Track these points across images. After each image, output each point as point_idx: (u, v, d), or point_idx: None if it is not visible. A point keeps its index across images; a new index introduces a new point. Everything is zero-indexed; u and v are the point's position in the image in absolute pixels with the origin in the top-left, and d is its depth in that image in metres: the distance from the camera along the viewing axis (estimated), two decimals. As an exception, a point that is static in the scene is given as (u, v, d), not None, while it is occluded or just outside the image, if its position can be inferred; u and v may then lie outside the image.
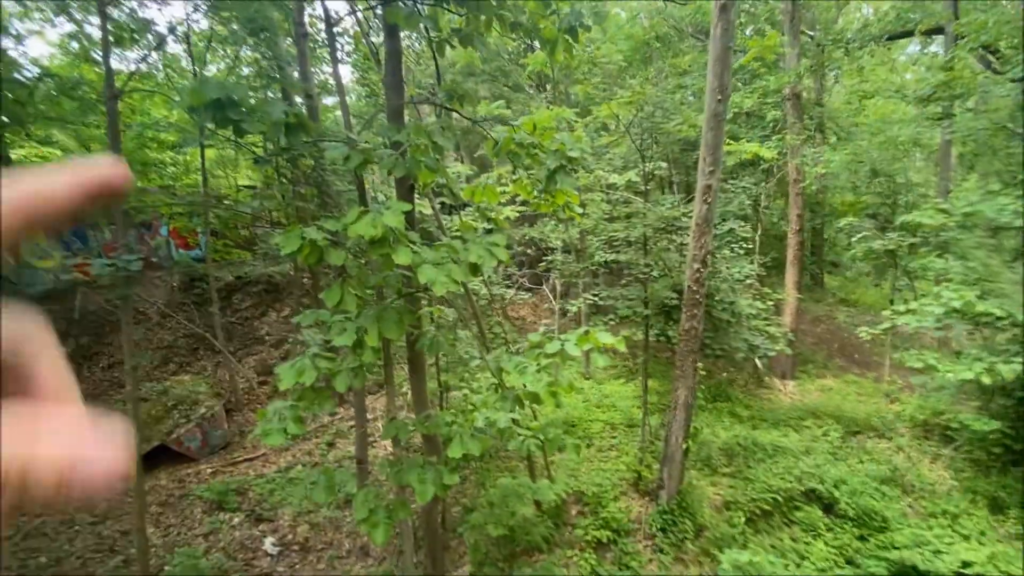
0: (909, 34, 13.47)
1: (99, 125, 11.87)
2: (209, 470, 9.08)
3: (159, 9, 7.81)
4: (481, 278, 7.72)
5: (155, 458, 8.83)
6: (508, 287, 11.82)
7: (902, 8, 12.55)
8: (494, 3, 4.08)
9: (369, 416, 9.79)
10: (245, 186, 14.43)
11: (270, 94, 9.79)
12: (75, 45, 11.01)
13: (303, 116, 3.87)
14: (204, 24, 10.62)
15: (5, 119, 7.32)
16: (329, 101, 14.03)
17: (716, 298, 8.55)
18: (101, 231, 13.12)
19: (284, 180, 7.18)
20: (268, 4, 6.80)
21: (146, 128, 12.10)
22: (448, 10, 3.99)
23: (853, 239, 9.14)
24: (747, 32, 13.69)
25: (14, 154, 11.69)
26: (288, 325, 13.39)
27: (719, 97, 5.47)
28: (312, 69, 9.86)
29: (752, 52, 7.85)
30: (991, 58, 10.47)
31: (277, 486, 8.47)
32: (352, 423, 10.02)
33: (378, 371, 7.67)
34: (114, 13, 7.46)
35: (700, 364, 7.01)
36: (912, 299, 10.23)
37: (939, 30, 13.02)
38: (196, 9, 7.93)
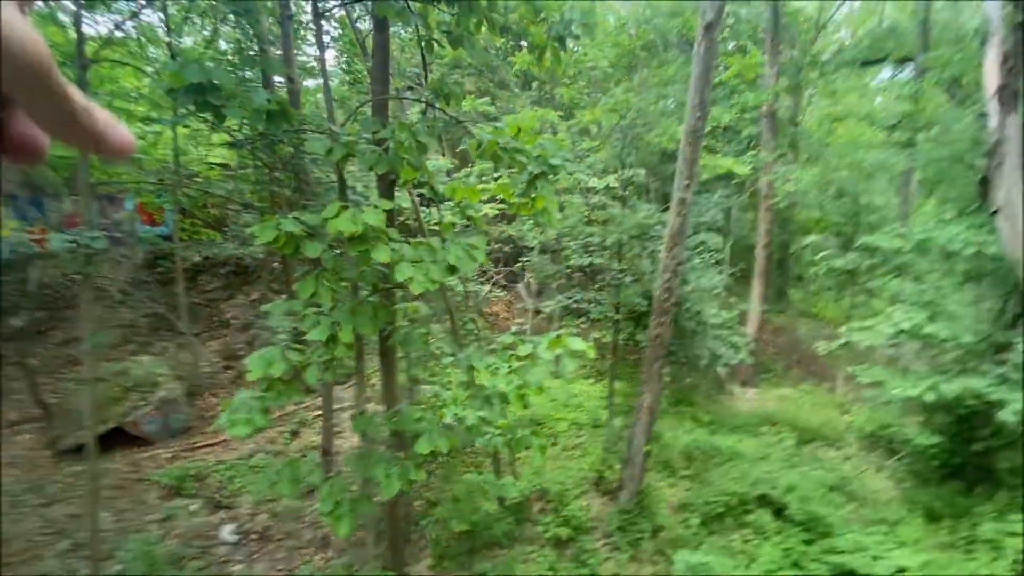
0: (882, 60, 14.07)
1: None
2: (167, 455, 8.85)
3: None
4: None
5: (110, 440, 8.55)
6: (483, 283, 11.86)
7: (876, 35, 13.08)
8: (484, 4, 4.11)
9: (336, 406, 9.71)
10: (217, 164, 14.00)
11: (248, 74, 9.54)
12: (41, 4, 10.48)
13: (286, 103, 3.82)
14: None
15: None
16: (310, 83, 13.71)
17: (684, 307, 8.79)
18: (59, 201, 12.55)
19: (260, 163, 7.02)
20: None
21: (115, 98, 11.62)
22: (439, 8, 3.99)
23: (817, 256, 9.55)
24: (729, 46, 14.01)
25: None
26: (256, 310, 13.10)
27: (698, 114, 5.62)
28: (295, 50, 9.64)
29: (733, 69, 8.06)
30: (957, 89, 11.04)
31: (238, 473, 8.33)
32: (318, 412, 9.91)
33: (349, 363, 7.62)
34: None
35: (665, 370, 7.22)
36: (868, 317, 10.73)
37: (909, 59, 13.64)
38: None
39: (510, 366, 3.99)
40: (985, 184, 4.16)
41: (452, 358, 4.80)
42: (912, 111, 9.35)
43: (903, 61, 13.28)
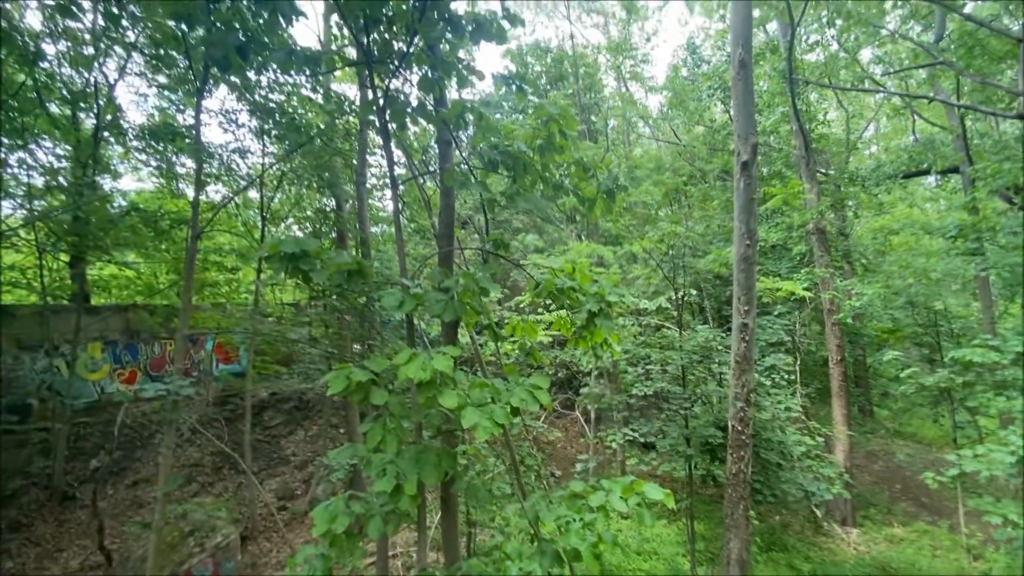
0: (925, 172, 14.14)
1: (167, 248, 13.14)
2: (215, 610, 8.41)
3: (240, 157, 8.99)
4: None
5: (162, 593, 8.27)
6: (538, 417, 11.55)
7: (914, 151, 13.33)
8: (539, 167, 4.59)
9: (390, 552, 9.13)
10: (290, 304, 15.23)
11: (323, 228, 10.77)
12: (162, 181, 12.55)
13: (364, 264, 4.23)
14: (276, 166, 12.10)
15: (89, 245, 8.24)
16: (376, 230, 15.22)
17: (763, 437, 8.09)
18: (151, 346, 13.79)
19: (333, 309, 7.61)
20: (336, 158, 7.79)
21: (210, 253, 13.27)
22: (498, 174, 4.49)
23: (902, 374, 8.78)
24: (764, 171, 14.63)
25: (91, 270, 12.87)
26: (314, 445, 13.17)
27: (747, 242, 5.74)
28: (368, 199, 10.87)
29: (776, 199, 8.31)
30: (1013, 196, 10.79)
31: (285, 634, 7.72)
32: (371, 561, 9.32)
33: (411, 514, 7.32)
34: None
35: (751, 511, 6.45)
36: (977, 439, 9.45)
37: (955, 169, 13.62)
38: (273, 166, 9.10)
39: (582, 518, 3.70)
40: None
41: (515, 504, 4.52)
42: (972, 221, 9.12)
43: (947, 172, 13.30)
